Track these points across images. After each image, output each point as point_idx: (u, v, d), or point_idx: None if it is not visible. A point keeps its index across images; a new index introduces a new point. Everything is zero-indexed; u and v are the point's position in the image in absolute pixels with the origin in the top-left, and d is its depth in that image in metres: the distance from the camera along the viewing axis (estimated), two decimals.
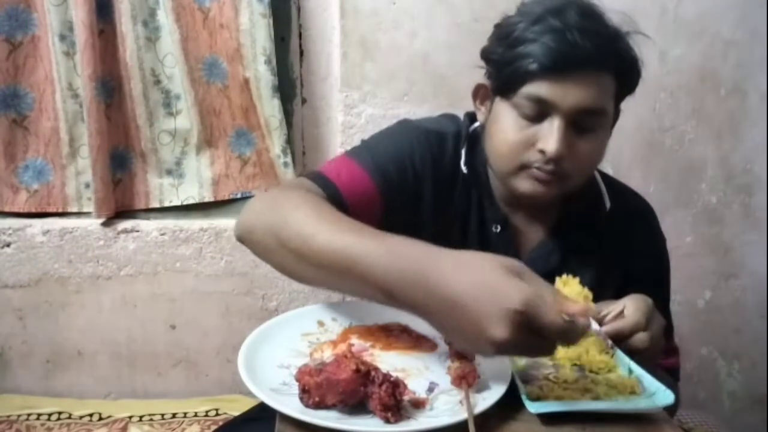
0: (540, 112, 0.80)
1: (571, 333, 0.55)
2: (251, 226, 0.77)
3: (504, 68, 0.82)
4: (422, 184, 0.89)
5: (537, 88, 0.78)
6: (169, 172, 1.54)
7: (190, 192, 1.55)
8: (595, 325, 0.75)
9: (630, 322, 0.74)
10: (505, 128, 0.83)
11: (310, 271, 0.68)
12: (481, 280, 0.56)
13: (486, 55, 0.87)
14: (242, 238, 0.79)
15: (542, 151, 0.79)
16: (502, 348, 0.54)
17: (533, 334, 0.54)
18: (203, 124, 1.50)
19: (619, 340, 0.73)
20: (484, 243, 0.91)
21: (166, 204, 1.55)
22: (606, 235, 0.94)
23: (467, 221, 0.92)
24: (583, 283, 0.90)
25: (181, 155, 1.53)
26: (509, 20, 0.83)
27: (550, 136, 0.79)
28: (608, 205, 0.95)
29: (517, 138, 0.81)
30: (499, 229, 0.92)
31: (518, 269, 0.57)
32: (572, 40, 0.76)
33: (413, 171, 0.88)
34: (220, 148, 1.53)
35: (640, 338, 0.73)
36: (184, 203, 1.55)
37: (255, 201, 0.80)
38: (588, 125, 0.81)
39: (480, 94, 0.92)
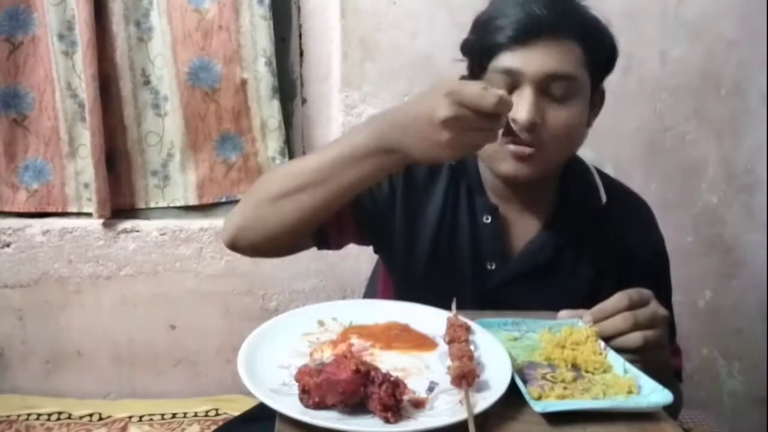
0: (510, 84, 0.82)
1: (490, 93, 0.65)
2: (239, 218, 0.85)
3: (475, 49, 0.86)
4: (396, 194, 0.93)
5: (503, 60, 0.82)
6: (154, 174, 1.53)
7: (176, 194, 1.54)
8: (581, 324, 0.75)
9: (611, 301, 0.74)
10: None
11: (312, 192, 0.79)
12: (421, 94, 0.71)
13: (463, 46, 0.91)
14: (235, 238, 0.85)
15: (514, 120, 0.80)
16: (447, 124, 0.66)
17: (462, 108, 0.65)
18: (188, 127, 1.49)
19: (609, 337, 0.73)
20: (475, 233, 0.92)
21: (152, 205, 1.54)
22: (602, 231, 0.94)
23: (456, 213, 0.93)
24: (580, 278, 0.91)
25: (167, 157, 1.53)
26: (481, 10, 0.88)
27: (520, 104, 0.80)
28: (604, 199, 0.95)
29: None
30: (489, 220, 0.92)
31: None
32: (532, 11, 0.80)
33: (387, 184, 0.93)
34: (205, 152, 1.52)
35: (633, 337, 0.72)
36: (171, 206, 1.55)
37: (234, 207, 0.88)
38: (559, 93, 0.82)
39: None
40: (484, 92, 0.65)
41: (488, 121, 0.67)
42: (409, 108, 0.71)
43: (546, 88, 0.81)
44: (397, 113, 0.72)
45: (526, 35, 0.80)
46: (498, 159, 0.85)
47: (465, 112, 0.65)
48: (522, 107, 0.80)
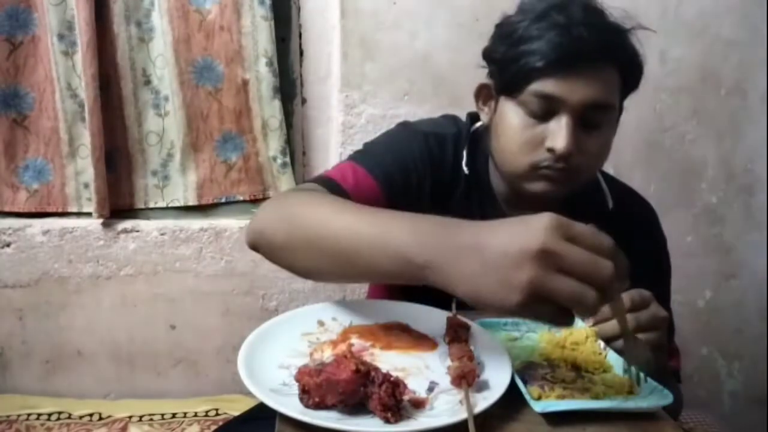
0: (547, 109, 0.79)
1: (606, 240, 0.55)
2: (262, 227, 0.76)
3: (509, 67, 0.82)
4: (423, 187, 0.90)
5: (544, 85, 0.78)
6: (154, 174, 1.53)
7: (175, 194, 1.54)
8: (581, 324, 0.75)
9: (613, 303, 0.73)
10: (513, 128, 0.82)
11: (324, 259, 0.67)
12: (512, 221, 0.55)
13: (488, 54, 0.87)
14: (254, 242, 0.77)
15: (551, 150, 0.79)
16: (542, 258, 0.50)
17: (570, 244, 0.52)
18: (190, 127, 1.49)
19: (610, 339, 0.72)
20: None
21: (152, 205, 1.54)
22: (607, 233, 0.93)
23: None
24: None
25: (167, 157, 1.52)
26: (511, 19, 0.83)
27: (558, 133, 0.78)
28: (611, 204, 0.95)
29: (526, 137, 0.81)
30: None
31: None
32: (577, 35, 0.76)
33: (416, 174, 0.89)
34: (206, 152, 1.52)
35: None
36: (170, 206, 1.55)
37: (264, 205, 0.80)
38: (595, 120, 0.81)
39: (483, 94, 0.91)
40: (599, 232, 0.55)
41: (593, 270, 0.52)
42: (486, 235, 0.55)
43: (584, 115, 0.79)
44: (464, 236, 0.56)
45: (568, 61, 0.77)
46: (528, 180, 0.84)
47: (572, 248, 0.52)
48: (560, 137, 0.78)
